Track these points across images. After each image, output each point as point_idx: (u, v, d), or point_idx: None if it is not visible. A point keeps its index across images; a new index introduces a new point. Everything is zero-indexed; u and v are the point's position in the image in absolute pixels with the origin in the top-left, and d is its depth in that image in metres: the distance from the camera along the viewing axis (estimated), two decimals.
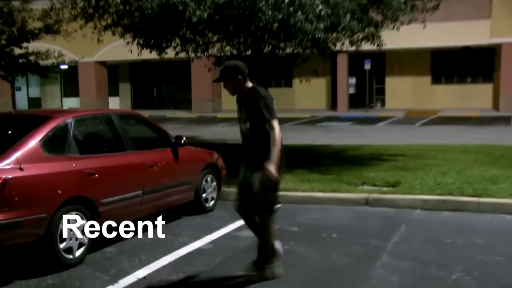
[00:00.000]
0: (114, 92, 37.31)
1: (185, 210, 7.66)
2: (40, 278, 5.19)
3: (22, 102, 39.15)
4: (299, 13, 9.69)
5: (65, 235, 5.41)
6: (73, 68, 33.12)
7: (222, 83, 4.96)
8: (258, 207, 4.98)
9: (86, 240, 5.68)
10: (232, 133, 18.96)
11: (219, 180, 8.21)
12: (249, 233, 6.62)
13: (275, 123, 4.70)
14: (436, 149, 12.81)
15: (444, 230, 6.58)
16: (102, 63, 34.79)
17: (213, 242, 6.39)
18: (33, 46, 17.01)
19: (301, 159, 11.29)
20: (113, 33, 11.49)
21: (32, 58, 16.36)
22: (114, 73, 37.22)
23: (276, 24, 9.59)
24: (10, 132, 5.80)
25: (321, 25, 9.93)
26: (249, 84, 4.94)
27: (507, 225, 6.83)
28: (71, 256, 5.49)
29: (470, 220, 7.10)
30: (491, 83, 29.38)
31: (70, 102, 36.96)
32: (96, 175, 5.85)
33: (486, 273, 5.09)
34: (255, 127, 4.83)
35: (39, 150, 5.40)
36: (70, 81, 36.75)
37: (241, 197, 5.11)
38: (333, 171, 10.06)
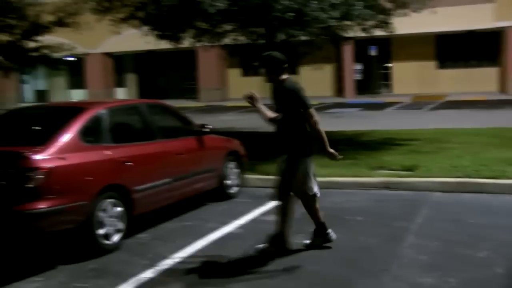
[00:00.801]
0: (120, 82, 37.50)
1: (209, 197, 7.86)
2: (82, 263, 5.40)
3: (29, 95, 39.37)
4: (314, 2, 9.85)
5: (103, 221, 5.62)
6: (79, 60, 33.31)
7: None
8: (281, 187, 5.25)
9: (122, 226, 5.90)
10: (241, 122, 19.17)
11: (241, 167, 8.40)
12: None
13: (313, 112, 4.98)
14: (448, 132, 12.98)
15: (466, 211, 6.78)
16: (108, 54, 34.97)
17: (242, 226, 6.60)
18: (42, 39, 17.14)
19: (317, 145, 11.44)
20: (131, 26, 11.68)
21: (46, 51, 16.49)
22: (120, 64, 37.36)
23: (291, 13, 9.75)
24: (49, 123, 5.97)
25: (335, 14, 10.11)
26: (284, 76, 5.14)
27: None
28: (109, 242, 5.71)
29: (490, 201, 7.29)
30: (496, 67, 29.43)
31: (77, 94, 37.12)
32: (130, 163, 6.05)
33: None
34: (287, 117, 5.04)
35: (77, 140, 5.61)
36: (76, 73, 36.88)
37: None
38: (349, 156, 10.20)
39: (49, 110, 6.88)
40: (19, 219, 5.06)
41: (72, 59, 26.88)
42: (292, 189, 5.28)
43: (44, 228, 5.20)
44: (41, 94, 38.93)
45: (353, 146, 11.79)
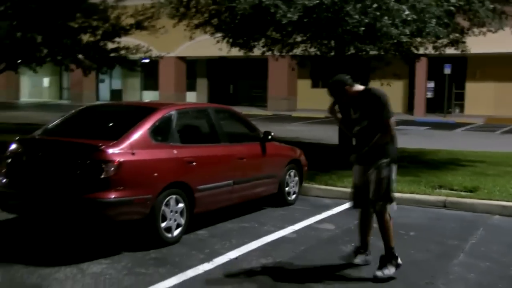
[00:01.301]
0: (191, 87, 38.51)
1: (268, 202, 8.12)
2: (145, 252, 5.79)
3: (104, 93, 41.14)
4: (386, 17, 9.92)
5: (166, 215, 6.00)
6: (153, 62, 34.47)
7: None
8: (375, 201, 5.27)
9: (183, 222, 6.25)
10: (306, 133, 19.38)
11: (301, 176, 8.62)
12: (330, 225, 7.12)
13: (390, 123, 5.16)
14: None
15: None
16: (182, 59, 36.01)
17: (296, 232, 6.82)
18: (120, 40, 18.00)
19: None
20: (205, 32, 12.18)
21: (123, 52, 17.31)
22: (192, 69, 38.36)
23: (362, 28, 9.88)
24: (122, 120, 6.43)
25: (407, 30, 10.14)
26: (359, 87, 5.33)
27: None
28: (170, 235, 6.07)
29: None
30: None
31: (150, 95, 38.45)
32: (194, 163, 6.41)
33: None
34: (374, 125, 5.19)
35: (147, 138, 6.02)
36: (149, 75, 38.19)
37: (358, 194, 5.47)
38: (410, 174, 10.24)
39: (123, 108, 7.40)
40: (90, 206, 5.51)
41: (146, 61, 27.91)
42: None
43: (113, 217, 5.62)
44: (116, 94, 40.60)
45: (416, 163, 11.75)
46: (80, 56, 16.97)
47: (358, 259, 5.53)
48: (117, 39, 17.27)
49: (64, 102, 40.08)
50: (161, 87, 36.44)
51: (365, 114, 5.25)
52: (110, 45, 17.30)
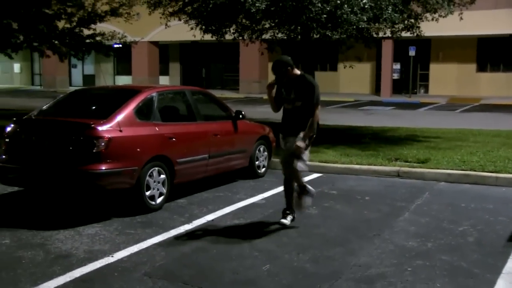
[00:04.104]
0: (164, 71, 39.00)
1: (240, 175, 8.99)
2: (132, 217, 6.63)
3: (77, 79, 41.34)
4: (346, 5, 10.83)
5: (150, 185, 6.82)
6: (126, 47, 34.87)
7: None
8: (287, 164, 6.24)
9: (164, 191, 7.09)
10: (277, 114, 20.18)
11: (270, 151, 9.51)
12: (295, 194, 7.97)
13: (318, 108, 6.04)
14: (469, 133, 13.77)
15: (462, 197, 7.73)
16: (154, 43, 36.46)
17: (265, 199, 7.72)
18: (95, 26, 18.50)
19: (343, 138, 12.57)
20: (179, 19, 12.90)
21: (98, 38, 17.88)
22: (165, 53, 38.82)
23: (324, 15, 10.76)
24: (110, 101, 7.21)
25: (365, 17, 11.06)
26: (297, 71, 6.19)
27: None
28: (153, 202, 6.91)
29: (487, 191, 8.20)
30: None
31: (123, 80, 38.84)
32: (174, 139, 7.24)
33: (488, 227, 6.26)
34: (302, 106, 6.07)
35: (133, 117, 6.82)
36: (122, 60, 38.55)
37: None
38: (370, 148, 11.23)
39: (109, 91, 8.18)
40: (84, 177, 6.31)
41: (119, 46, 28.41)
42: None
43: (104, 186, 6.43)
44: (89, 79, 40.85)
45: (377, 139, 12.74)
46: (56, 42, 17.49)
47: (287, 220, 6.34)
48: (92, 26, 17.83)
49: (36, 88, 40.22)
50: (134, 71, 36.88)
51: (299, 96, 6.08)
52: (86, 32, 17.86)
